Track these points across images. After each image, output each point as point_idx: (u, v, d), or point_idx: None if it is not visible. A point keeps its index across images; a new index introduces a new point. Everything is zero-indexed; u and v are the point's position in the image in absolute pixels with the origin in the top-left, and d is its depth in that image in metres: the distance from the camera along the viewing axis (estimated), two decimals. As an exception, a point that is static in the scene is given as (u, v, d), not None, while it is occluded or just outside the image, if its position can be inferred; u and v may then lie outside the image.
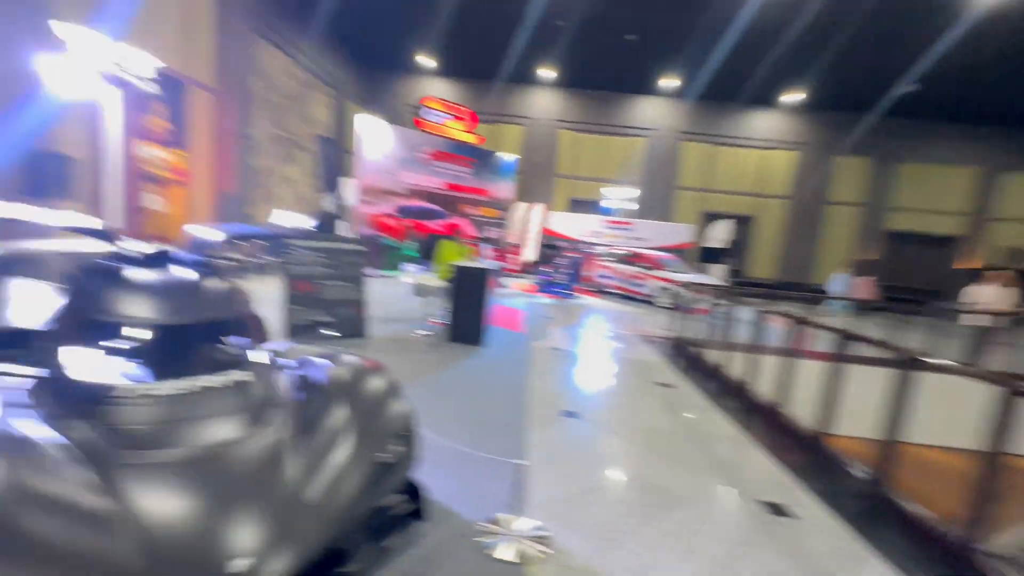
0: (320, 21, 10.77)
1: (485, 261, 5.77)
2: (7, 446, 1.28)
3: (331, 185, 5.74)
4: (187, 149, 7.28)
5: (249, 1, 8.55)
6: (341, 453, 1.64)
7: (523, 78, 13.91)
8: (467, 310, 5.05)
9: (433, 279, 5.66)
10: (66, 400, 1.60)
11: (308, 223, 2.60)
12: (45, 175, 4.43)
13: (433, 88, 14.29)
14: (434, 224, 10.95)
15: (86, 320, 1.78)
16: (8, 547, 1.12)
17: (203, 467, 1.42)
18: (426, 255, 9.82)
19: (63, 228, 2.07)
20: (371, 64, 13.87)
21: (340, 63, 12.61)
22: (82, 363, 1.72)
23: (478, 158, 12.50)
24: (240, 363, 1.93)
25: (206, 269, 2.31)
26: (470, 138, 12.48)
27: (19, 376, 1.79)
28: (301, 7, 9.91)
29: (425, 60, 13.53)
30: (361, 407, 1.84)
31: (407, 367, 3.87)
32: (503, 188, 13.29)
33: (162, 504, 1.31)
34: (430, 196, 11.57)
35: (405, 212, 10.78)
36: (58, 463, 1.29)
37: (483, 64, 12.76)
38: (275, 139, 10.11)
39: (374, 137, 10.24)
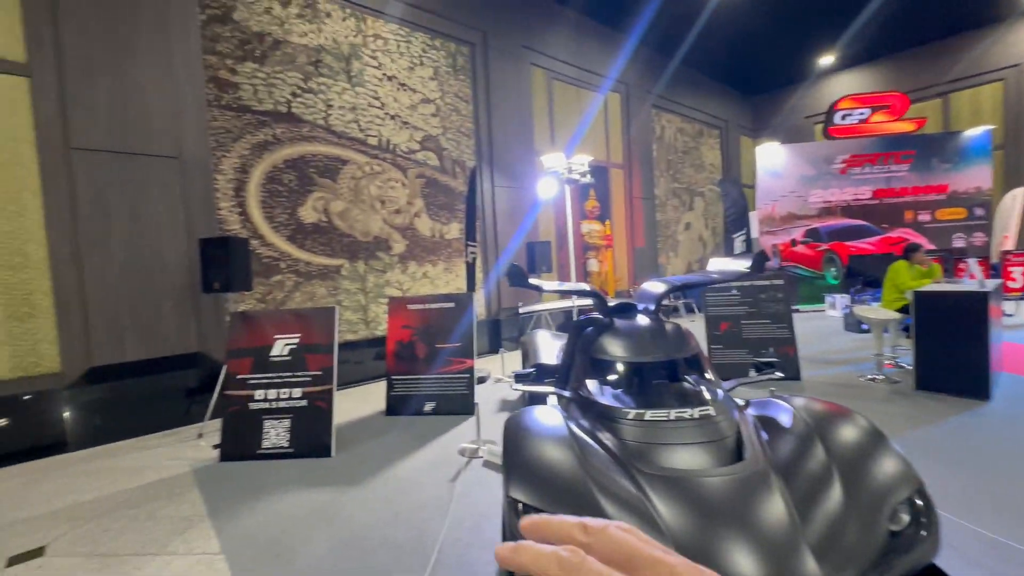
0: (700, 72, 11.32)
1: (969, 281, 4.21)
2: (573, 442, 1.87)
3: (740, 224, 5.69)
4: (610, 218, 8.95)
5: (646, 86, 9.96)
6: (830, 504, 1.52)
7: (973, 21, 9.82)
8: (950, 349, 3.77)
9: (878, 310, 4.58)
10: (587, 415, 2.20)
11: (742, 265, 2.71)
12: (536, 256, 6.41)
13: (837, 87, 12.16)
14: (863, 243, 8.95)
15: (590, 358, 2.41)
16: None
17: (694, 488, 1.63)
18: (857, 281, 8.10)
19: (572, 292, 2.97)
20: (754, 90, 13.30)
21: (723, 102, 12.71)
22: (592, 388, 2.32)
23: (917, 148, 9.52)
24: (701, 399, 2.14)
25: (657, 316, 2.73)
26: (903, 126, 9.73)
27: (555, 394, 2.59)
28: (683, 68, 10.70)
29: (820, 60, 11.78)
30: (840, 455, 1.66)
31: (875, 420, 3.23)
32: (972, 176, 9.49)
33: (669, 512, 1.56)
34: (851, 211, 9.61)
35: (819, 235, 9.36)
36: (603, 460, 1.81)
37: (897, 31, 9.84)
38: (674, 192, 11.08)
39: (773, 163, 9.61)
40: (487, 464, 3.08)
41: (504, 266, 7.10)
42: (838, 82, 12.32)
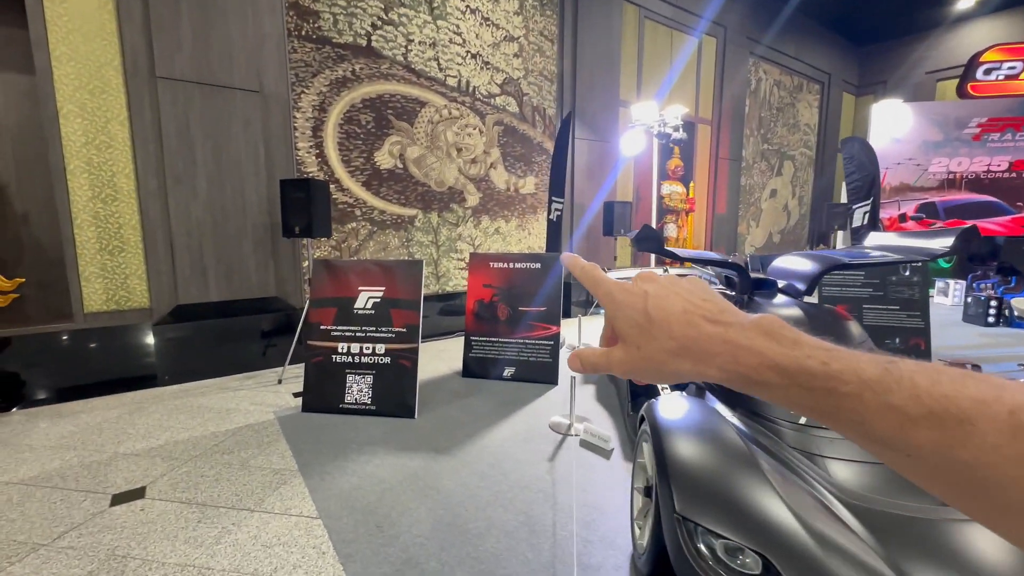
0: (806, 15, 9.90)
1: None
2: (751, 455, 1.52)
3: (865, 193, 4.94)
4: (693, 180, 8.19)
5: (746, 30, 8.81)
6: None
7: None
8: None
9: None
10: (736, 409, 1.87)
11: (935, 243, 2.16)
12: (615, 217, 5.91)
13: (974, 35, 10.36)
14: (989, 223, 7.79)
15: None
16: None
17: (938, 537, 1.26)
18: (978, 265, 7.08)
19: (709, 262, 2.54)
20: (866, 39, 11.59)
21: (829, 52, 11.18)
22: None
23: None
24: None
25: (814, 303, 2.27)
26: (1062, 85, 8.17)
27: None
28: (788, 10, 9.38)
29: (955, 1, 9.98)
30: None
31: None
32: None
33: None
34: (980, 185, 8.33)
35: (936, 211, 8.22)
36: (798, 484, 1.46)
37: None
38: (762, 155, 10.03)
39: (893, 124, 8.40)
40: (584, 444, 2.81)
41: (586, 226, 6.65)
42: (975, 31, 10.47)
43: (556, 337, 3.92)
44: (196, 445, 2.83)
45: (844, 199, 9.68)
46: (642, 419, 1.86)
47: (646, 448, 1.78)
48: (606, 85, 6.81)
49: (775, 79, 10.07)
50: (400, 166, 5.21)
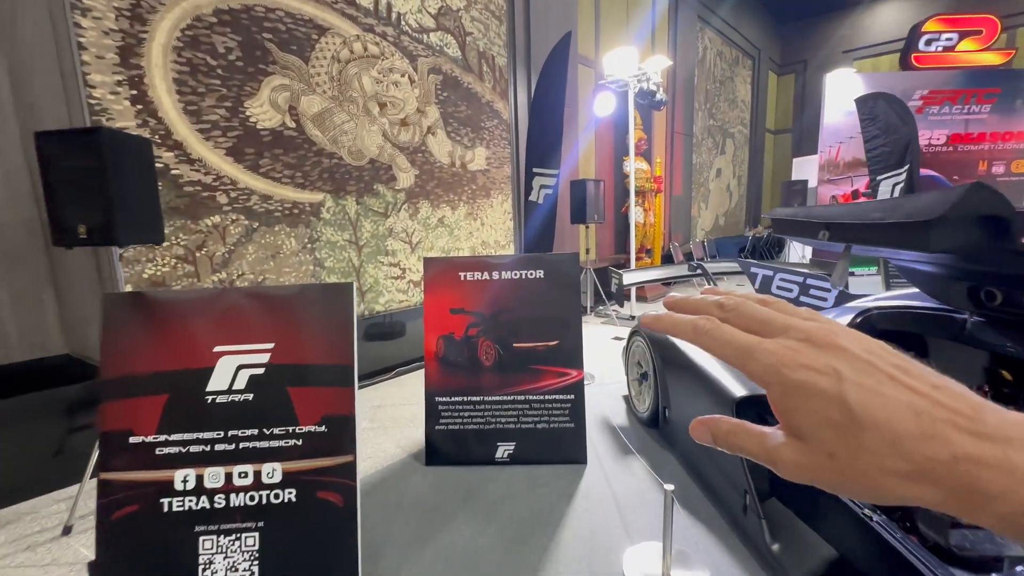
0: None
1: None
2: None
3: (896, 160, 4.06)
4: (659, 157, 7.13)
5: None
6: None
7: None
8: None
9: None
10: None
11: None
12: (587, 200, 4.57)
13: (885, 15, 10.56)
14: (937, 196, 7.65)
15: None
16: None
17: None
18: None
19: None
20: (788, 17, 11.48)
21: (759, 26, 10.84)
22: None
23: (1003, 85, 8.16)
24: None
25: None
26: (990, 57, 8.34)
27: None
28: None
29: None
30: None
31: None
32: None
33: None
34: (924, 159, 8.24)
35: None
36: None
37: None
38: (708, 131, 9.34)
39: (840, 96, 8.01)
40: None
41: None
42: (889, 9, 10.69)
43: (579, 386, 2.44)
44: None
45: (797, 176, 9.33)
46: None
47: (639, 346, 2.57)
48: (563, 30, 5.39)
49: (717, 49, 9.39)
50: (292, 125, 3.34)
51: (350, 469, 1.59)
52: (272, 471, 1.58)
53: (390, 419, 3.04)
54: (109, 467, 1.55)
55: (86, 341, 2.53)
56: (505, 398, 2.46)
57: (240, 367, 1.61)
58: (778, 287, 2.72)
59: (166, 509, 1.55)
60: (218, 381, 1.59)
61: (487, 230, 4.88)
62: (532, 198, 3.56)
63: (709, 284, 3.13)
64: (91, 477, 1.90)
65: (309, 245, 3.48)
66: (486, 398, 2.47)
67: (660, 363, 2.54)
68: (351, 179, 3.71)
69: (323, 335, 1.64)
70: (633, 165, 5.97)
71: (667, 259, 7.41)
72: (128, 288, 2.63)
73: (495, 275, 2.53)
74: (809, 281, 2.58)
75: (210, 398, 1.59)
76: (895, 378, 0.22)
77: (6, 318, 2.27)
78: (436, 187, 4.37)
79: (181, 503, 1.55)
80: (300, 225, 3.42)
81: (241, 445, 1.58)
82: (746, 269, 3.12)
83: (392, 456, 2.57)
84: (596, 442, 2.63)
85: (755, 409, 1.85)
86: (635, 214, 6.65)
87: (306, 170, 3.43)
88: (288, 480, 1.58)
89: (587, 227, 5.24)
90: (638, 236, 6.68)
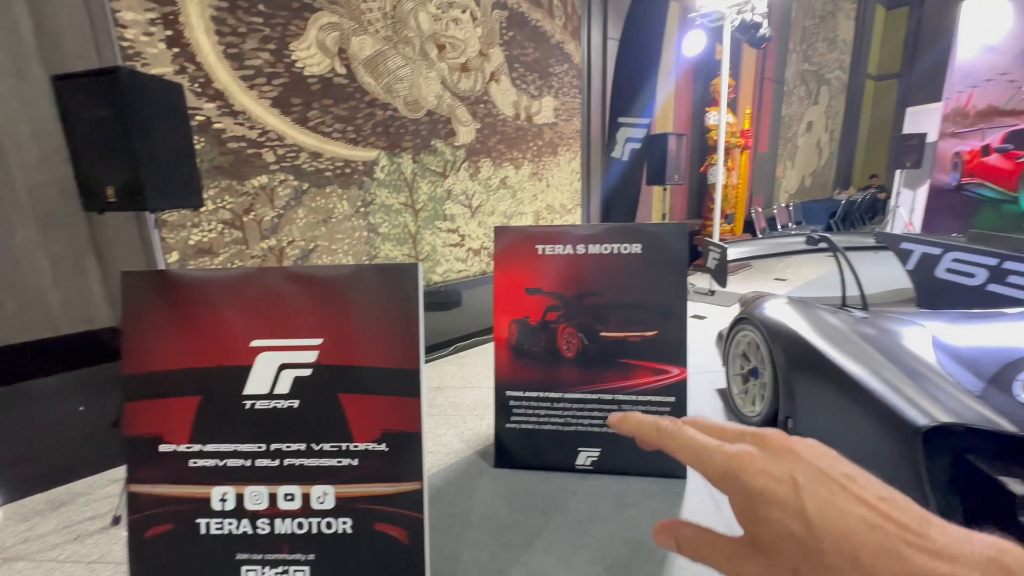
0: None
1: None
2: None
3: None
4: (740, 108, 6.24)
5: None
6: None
7: None
8: None
9: None
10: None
11: None
12: (668, 158, 3.92)
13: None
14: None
15: None
16: None
17: None
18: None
19: None
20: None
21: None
22: None
23: None
24: None
25: None
26: None
27: None
28: None
29: None
30: None
31: None
32: None
33: None
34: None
35: None
36: None
37: None
38: (802, 77, 8.14)
39: (988, 28, 6.61)
40: None
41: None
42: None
43: (681, 387, 2.00)
44: None
45: (911, 129, 8.04)
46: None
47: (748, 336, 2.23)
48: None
49: (819, -23, 8.03)
50: (342, 71, 2.95)
51: (416, 499, 1.26)
52: (323, 495, 1.28)
53: (451, 405, 2.75)
54: (138, 478, 1.31)
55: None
56: (589, 396, 2.07)
57: (283, 366, 1.29)
58: (949, 271, 2.05)
59: (203, 531, 1.30)
60: (257, 383, 1.29)
61: (552, 192, 4.38)
62: (615, 154, 3.02)
63: (840, 261, 2.52)
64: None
65: (362, 209, 3.15)
66: (566, 395, 2.08)
67: (784, 362, 2.04)
68: (407, 134, 3.31)
69: (383, 330, 1.28)
70: (719, 117, 5.19)
71: (747, 227, 6.61)
72: (174, 257, 2.41)
73: (580, 248, 2.08)
74: (1008, 264, 1.86)
75: (248, 403, 1.29)
76: (846, 488, 0.22)
77: (46, 288, 2.10)
78: (499, 143, 3.89)
79: (220, 525, 1.30)
80: (352, 186, 3.08)
81: (286, 462, 1.29)
82: (893, 245, 2.45)
83: (456, 452, 2.27)
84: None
85: (949, 445, 1.36)
86: (717, 174, 5.89)
87: (358, 123, 3.06)
88: (342, 507, 1.28)
89: (664, 189, 4.62)
90: (725, 203, 5.94)
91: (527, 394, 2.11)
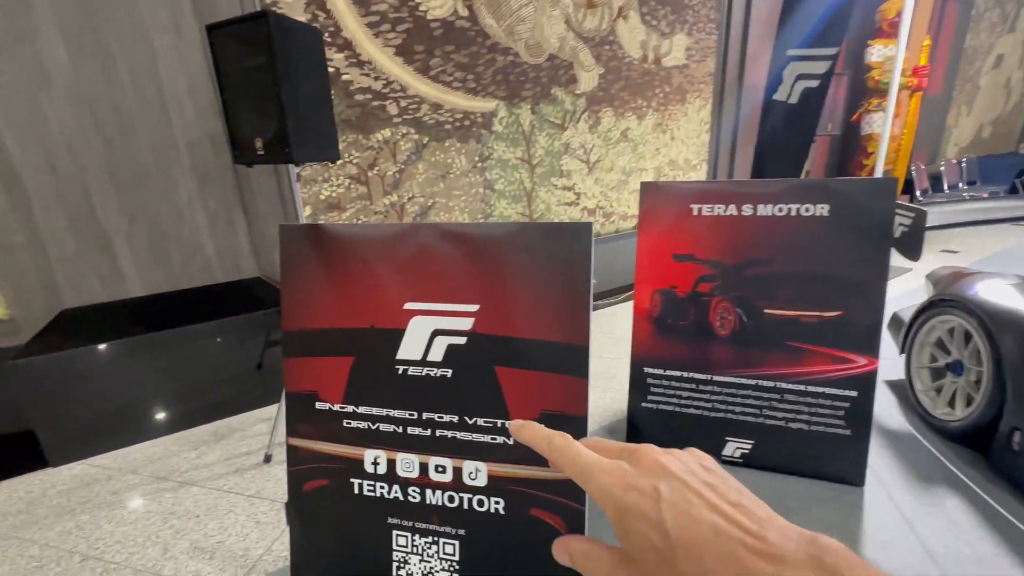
0: None
1: None
2: None
3: None
4: (911, 39, 5.09)
5: None
6: None
7: None
8: None
9: None
10: None
11: None
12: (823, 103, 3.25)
13: None
14: None
15: None
16: None
17: None
18: None
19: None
20: None
21: None
22: None
23: None
24: None
25: None
26: None
27: None
28: None
29: None
30: None
31: None
32: None
33: None
34: None
35: None
36: None
37: None
38: (997, -3, 6.48)
39: None
40: None
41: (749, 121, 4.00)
42: None
43: (867, 381, 1.66)
44: None
45: None
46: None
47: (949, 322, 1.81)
48: None
49: None
50: (464, 13, 2.75)
51: (578, 489, 1.13)
52: (475, 472, 1.19)
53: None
54: (297, 432, 1.33)
55: (273, 265, 2.47)
56: (744, 381, 1.80)
57: (436, 332, 1.20)
58: None
59: (356, 491, 1.29)
60: (410, 348, 1.21)
61: (676, 146, 3.93)
62: (779, 95, 2.54)
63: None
64: (284, 403, 1.79)
65: (480, 164, 3.02)
66: (715, 377, 1.83)
67: (1018, 359, 1.60)
68: (527, 81, 3.07)
69: (546, 298, 1.13)
70: (888, 51, 4.27)
71: (906, 187, 5.55)
72: (307, 211, 2.46)
73: (747, 209, 1.75)
74: None
75: (401, 368, 1.22)
76: (702, 496, 0.24)
77: (205, 241, 2.24)
78: (622, 90, 3.51)
79: (372, 488, 1.28)
80: (471, 140, 2.95)
81: (438, 432, 1.22)
82: None
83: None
84: (880, 469, 1.86)
85: None
86: (878, 122, 4.95)
87: (479, 71, 2.87)
88: (495, 486, 1.19)
89: (813, 141, 3.94)
90: (875, 153, 5.01)
91: (668, 372, 1.89)
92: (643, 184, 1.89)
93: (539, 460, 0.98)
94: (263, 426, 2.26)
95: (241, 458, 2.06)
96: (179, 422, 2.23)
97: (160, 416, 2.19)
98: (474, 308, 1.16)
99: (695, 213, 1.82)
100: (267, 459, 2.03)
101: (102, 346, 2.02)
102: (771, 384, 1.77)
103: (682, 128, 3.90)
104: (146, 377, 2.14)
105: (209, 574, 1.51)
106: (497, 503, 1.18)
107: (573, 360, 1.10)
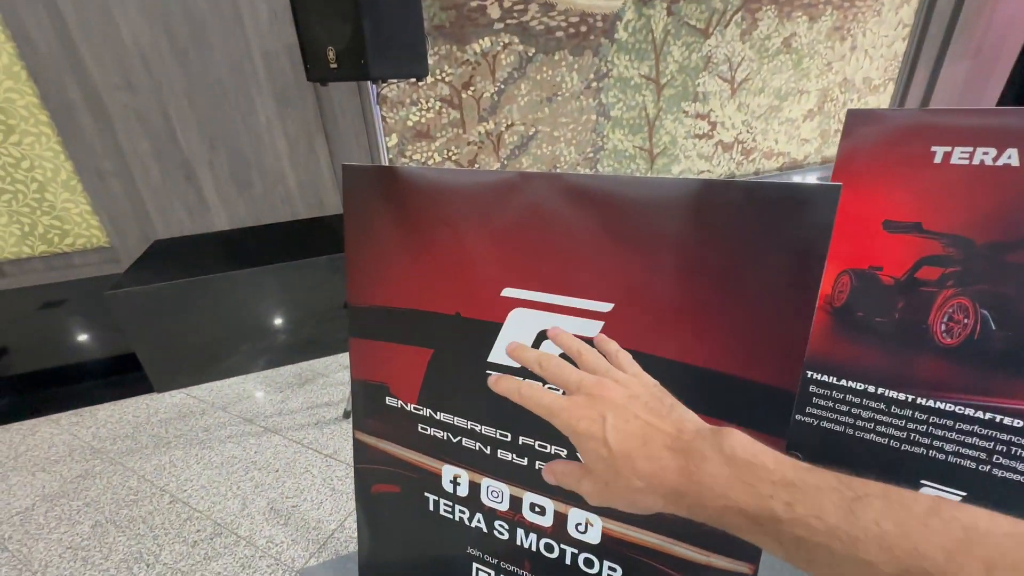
0: None
1: None
2: None
3: None
4: None
5: None
6: None
7: None
8: None
9: None
10: None
11: None
12: None
13: None
14: None
15: None
16: None
17: None
18: None
19: None
20: None
21: None
22: None
23: None
24: None
25: None
26: None
27: None
28: None
29: None
30: None
31: None
32: None
33: None
34: None
35: None
36: None
37: None
38: None
39: None
40: None
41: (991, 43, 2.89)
42: None
43: None
44: None
45: None
46: None
47: None
48: None
49: None
50: None
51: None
52: (585, 524, 0.87)
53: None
54: (364, 426, 1.08)
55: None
56: (965, 411, 1.24)
57: (545, 335, 0.84)
58: None
59: (432, 508, 1.05)
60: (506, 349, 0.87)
61: (857, 58, 2.97)
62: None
63: None
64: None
65: (595, 83, 2.46)
66: (920, 400, 1.30)
67: None
68: (665, -30, 2.36)
69: (730, 305, 0.69)
70: None
71: None
72: (392, 140, 2.14)
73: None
74: None
75: (494, 373, 0.90)
76: (639, 416, 0.32)
77: (286, 171, 2.04)
78: (792, -20, 2.63)
79: (450, 509, 1.02)
80: (587, 52, 2.38)
81: (537, 465, 0.90)
82: None
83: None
84: None
85: None
86: None
87: (604, -43, 2.23)
88: (610, 548, 0.86)
89: None
90: None
91: (848, 384, 1.38)
92: (850, 113, 1.27)
93: (676, 532, 0.63)
94: (343, 375, 2.15)
95: (322, 409, 1.97)
96: (267, 361, 2.19)
97: (249, 353, 2.16)
98: (606, 308, 0.76)
99: (937, 160, 1.19)
100: (346, 415, 1.92)
101: (194, 279, 1.96)
102: (1018, 424, 1.20)
103: (870, 34, 2.91)
104: (236, 313, 2.08)
105: (282, 543, 1.41)
106: (612, 570, 0.86)
107: (772, 411, 0.68)
